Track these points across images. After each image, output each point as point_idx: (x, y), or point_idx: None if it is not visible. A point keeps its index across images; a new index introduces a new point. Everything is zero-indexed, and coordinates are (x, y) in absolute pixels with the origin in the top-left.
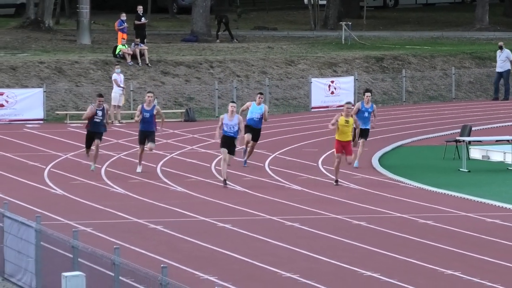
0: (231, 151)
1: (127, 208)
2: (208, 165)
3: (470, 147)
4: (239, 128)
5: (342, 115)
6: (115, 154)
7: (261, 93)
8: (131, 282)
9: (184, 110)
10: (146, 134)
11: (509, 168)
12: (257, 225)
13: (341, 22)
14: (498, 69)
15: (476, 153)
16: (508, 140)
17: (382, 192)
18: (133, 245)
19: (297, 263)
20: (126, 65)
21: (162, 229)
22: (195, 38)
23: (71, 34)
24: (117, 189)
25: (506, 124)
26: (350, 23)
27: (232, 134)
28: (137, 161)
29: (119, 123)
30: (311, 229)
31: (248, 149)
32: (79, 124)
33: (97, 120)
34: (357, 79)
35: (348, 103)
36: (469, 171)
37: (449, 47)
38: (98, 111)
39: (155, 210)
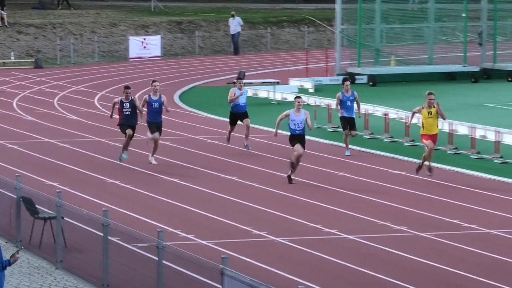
0: (303, 145)
1: None
2: (51, 100)
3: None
4: (307, 124)
5: (423, 107)
6: None
7: (240, 78)
8: None
9: (33, 60)
10: (157, 125)
11: (272, 102)
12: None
13: None
14: (232, 32)
15: (248, 92)
16: (270, 82)
17: (181, 120)
18: None
19: None
20: None
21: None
22: (42, 6)
23: None
24: None
25: (269, 71)
26: None
27: (300, 132)
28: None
29: None
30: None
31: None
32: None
33: (127, 113)
34: (162, 37)
35: (430, 93)
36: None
37: (229, 15)
38: (125, 104)
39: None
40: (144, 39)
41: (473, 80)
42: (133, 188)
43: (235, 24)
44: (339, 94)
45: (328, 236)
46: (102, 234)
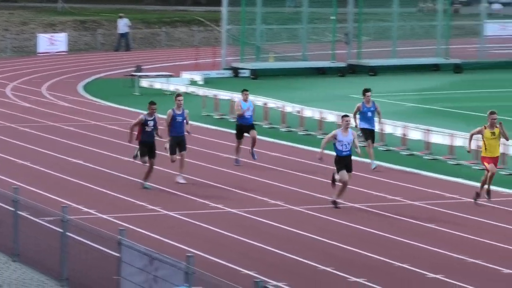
0: (349, 170)
1: None
2: None
3: (140, 79)
4: (354, 145)
5: (485, 128)
6: None
7: (246, 90)
8: None
9: None
10: (179, 140)
11: (165, 93)
12: None
13: None
14: (120, 31)
15: (144, 83)
16: (164, 75)
17: (85, 108)
18: None
19: None
20: None
21: None
22: None
23: None
24: None
25: (163, 65)
26: None
27: (348, 153)
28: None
29: None
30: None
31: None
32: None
33: (149, 130)
34: (68, 35)
35: (492, 112)
36: (141, 94)
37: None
38: (149, 121)
39: None
40: (52, 36)
41: (340, 74)
42: (43, 169)
43: (122, 25)
44: (359, 104)
45: (214, 210)
46: (13, 209)
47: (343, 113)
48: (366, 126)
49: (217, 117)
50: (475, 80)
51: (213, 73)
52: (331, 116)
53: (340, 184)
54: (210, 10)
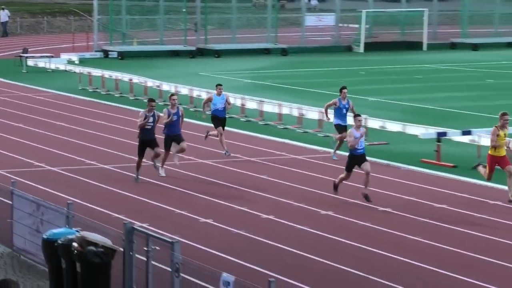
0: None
1: None
2: None
3: (27, 60)
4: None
5: (498, 128)
6: None
7: (219, 84)
8: None
9: None
10: (174, 138)
11: (47, 70)
12: None
13: None
14: (1, 20)
15: (31, 62)
16: (46, 56)
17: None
18: None
19: None
20: None
21: None
22: None
23: None
24: None
25: (46, 47)
26: None
27: (362, 151)
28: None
29: None
30: None
31: (222, 138)
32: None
33: (149, 127)
34: None
35: (504, 114)
36: (27, 72)
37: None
38: (149, 117)
39: None
40: None
41: (191, 56)
42: None
43: (3, 15)
44: (335, 100)
45: (88, 166)
46: None
47: (356, 113)
48: (340, 122)
49: (91, 90)
50: (297, 61)
51: (87, 54)
52: (184, 90)
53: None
54: (84, 3)
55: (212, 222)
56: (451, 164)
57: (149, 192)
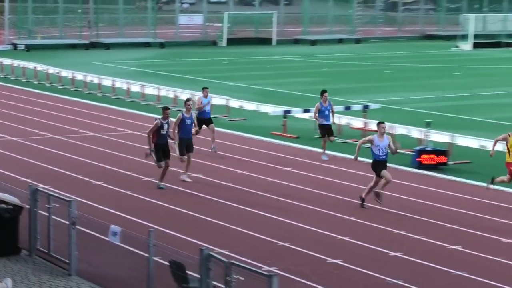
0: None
1: None
2: None
3: None
4: (390, 148)
5: (510, 136)
6: None
7: (206, 87)
8: None
9: None
10: (188, 142)
11: None
12: None
13: None
14: None
15: None
16: None
17: None
18: None
19: None
20: None
21: None
22: None
23: None
24: None
25: None
26: None
27: (384, 157)
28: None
29: None
30: None
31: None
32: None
33: (163, 133)
34: None
35: None
36: None
37: None
38: (164, 125)
39: None
40: None
41: (85, 48)
42: None
43: None
44: (318, 104)
45: (37, 137)
46: None
47: (378, 121)
48: (324, 122)
49: (3, 76)
50: (173, 53)
51: (0, 47)
52: (79, 75)
53: (373, 188)
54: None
55: (104, 185)
56: (295, 136)
57: (52, 159)
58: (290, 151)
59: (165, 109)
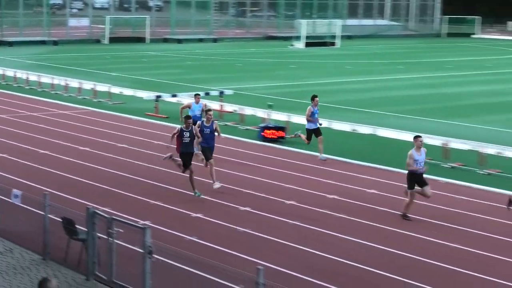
0: (425, 183)
1: None
2: None
3: None
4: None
5: None
6: None
7: (198, 94)
8: None
9: None
10: (209, 150)
11: None
12: None
13: None
14: None
15: None
16: None
17: None
18: None
19: None
20: None
21: None
22: None
23: None
24: None
25: None
26: None
27: (422, 171)
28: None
29: None
30: None
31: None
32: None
33: (186, 141)
34: None
35: None
36: None
37: None
38: (184, 132)
39: None
40: None
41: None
42: None
43: None
44: (310, 107)
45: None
46: None
47: (416, 134)
48: (313, 126)
49: None
50: (64, 49)
51: None
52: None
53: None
54: None
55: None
56: (165, 116)
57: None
58: (162, 128)
59: (187, 118)
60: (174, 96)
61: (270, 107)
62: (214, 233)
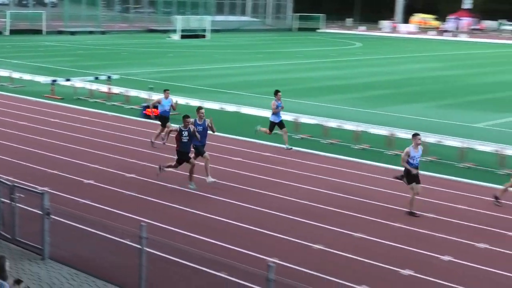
0: (418, 182)
1: None
2: None
3: None
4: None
5: None
6: None
7: (167, 89)
8: None
9: None
10: (200, 147)
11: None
12: None
13: None
14: None
15: None
16: None
17: None
18: None
19: None
20: None
21: None
22: None
23: None
24: None
25: None
26: None
27: (417, 165)
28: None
29: None
30: None
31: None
32: None
33: (185, 140)
34: None
35: None
36: None
37: None
38: (183, 132)
39: None
40: None
41: None
42: None
43: None
44: (274, 101)
45: None
46: None
47: (414, 132)
48: (276, 120)
49: None
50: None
51: None
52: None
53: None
54: None
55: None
56: (60, 97)
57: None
58: (57, 108)
59: (185, 117)
60: (68, 80)
61: (151, 89)
62: (103, 196)
